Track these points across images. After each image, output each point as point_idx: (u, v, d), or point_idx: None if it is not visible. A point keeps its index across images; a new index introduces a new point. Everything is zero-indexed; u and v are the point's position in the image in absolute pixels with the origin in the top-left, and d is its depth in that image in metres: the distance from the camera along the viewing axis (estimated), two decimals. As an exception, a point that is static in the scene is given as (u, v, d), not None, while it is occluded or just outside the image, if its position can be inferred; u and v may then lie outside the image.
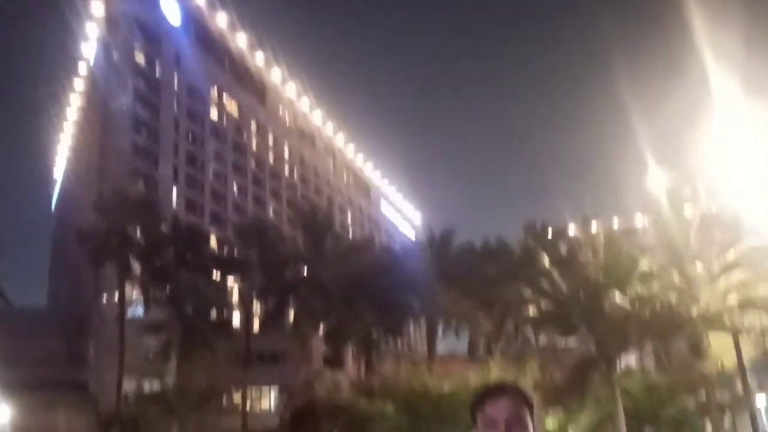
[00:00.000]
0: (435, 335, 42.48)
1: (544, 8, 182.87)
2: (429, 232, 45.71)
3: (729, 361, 26.49)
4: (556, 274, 23.06)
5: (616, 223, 28.75)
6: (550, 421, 37.62)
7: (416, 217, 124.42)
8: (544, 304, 23.48)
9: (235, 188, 76.01)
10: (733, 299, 23.40)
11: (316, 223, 43.74)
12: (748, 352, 25.98)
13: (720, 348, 25.99)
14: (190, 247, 44.28)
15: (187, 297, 39.73)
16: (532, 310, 24.70)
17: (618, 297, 20.68)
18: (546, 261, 23.71)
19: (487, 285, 36.47)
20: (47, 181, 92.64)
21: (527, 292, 24.04)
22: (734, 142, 28.26)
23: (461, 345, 44.34)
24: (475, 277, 37.39)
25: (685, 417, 39.03)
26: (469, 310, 38.11)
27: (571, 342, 25.96)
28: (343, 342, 42.71)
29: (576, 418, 34.43)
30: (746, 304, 23.15)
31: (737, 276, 23.41)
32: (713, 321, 22.30)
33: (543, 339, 37.63)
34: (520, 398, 1.92)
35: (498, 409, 1.87)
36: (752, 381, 28.46)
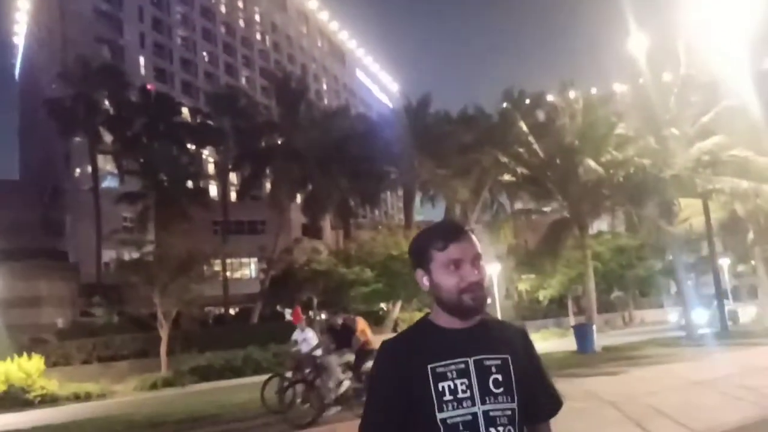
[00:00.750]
0: (412, 203, 42.98)
1: None
2: (406, 99, 45.02)
3: (697, 224, 27.28)
4: (533, 140, 23.01)
5: (594, 89, 28.41)
6: (523, 284, 39.32)
7: (392, 86, 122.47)
8: (520, 170, 23.57)
9: (205, 56, 73.58)
10: (705, 163, 23.64)
11: (290, 91, 42.73)
12: (716, 215, 26.74)
13: (689, 211, 26.59)
14: (161, 116, 43.31)
15: (160, 167, 39.37)
16: (508, 177, 24.83)
17: (593, 162, 20.78)
18: (523, 127, 23.56)
19: (463, 152, 36.45)
20: (7, 47, 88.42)
21: (504, 159, 24.02)
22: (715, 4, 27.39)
23: (437, 213, 45.08)
24: (452, 145, 37.31)
25: (652, 277, 41.14)
26: (445, 178, 38.38)
27: (547, 208, 26.34)
28: (321, 211, 43.11)
29: (548, 280, 35.95)
30: (718, 168, 23.44)
31: (712, 140, 23.50)
32: (685, 184, 22.62)
33: (518, 206, 38.32)
34: (474, 236, 1.81)
35: (463, 248, 1.75)
36: (717, 243, 29.51)
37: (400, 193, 46.05)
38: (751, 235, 28.43)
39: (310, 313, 33.14)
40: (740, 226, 28.80)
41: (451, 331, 1.78)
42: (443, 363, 1.73)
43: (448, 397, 1.70)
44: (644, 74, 24.81)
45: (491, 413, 1.70)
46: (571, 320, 37.39)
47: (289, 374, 12.79)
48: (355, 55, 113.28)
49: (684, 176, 22.31)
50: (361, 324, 12.49)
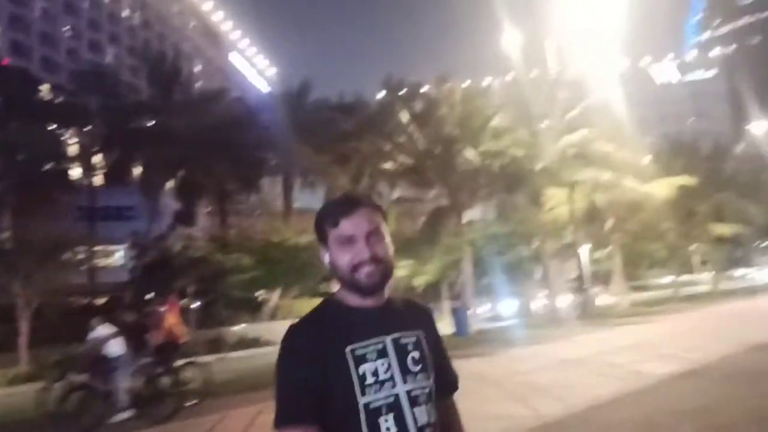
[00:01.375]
0: (291, 190, 42.60)
1: None
2: (285, 85, 44.43)
3: (562, 212, 29.04)
4: (414, 129, 23.51)
5: (471, 82, 29.44)
6: (401, 270, 40.07)
7: (269, 71, 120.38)
8: (401, 158, 24.02)
9: (67, 31, 68.82)
10: (571, 155, 25.15)
11: (163, 71, 40.92)
12: (579, 204, 28.59)
13: (555, 201, 28.23)
14: (18, 93, 40.09)
15: (19, 147, 36.48)
16: (390, 165, 25.24)
17: (471, 152, 21.55)
18: (404, 116, 24.01)
19: (344, 140, 36.57)
20: None
21: (386, 147, 24.39)
22: (582, 5, 29.10)
23: (317, 200, 44.94)
24: (332, 132, 37.33)
25: (521, 263, 43.28)
26: (325, 165, 38.33)
27: (426, 196, 27.06)
28: (196, 197, 41.76)
29: (424, 266, 36.86)
30: (582, 160, 25.04)
31: (577, 134, 25.05)
32: (554, 175, 23.98)
33: (398, 193, 38.96)
34: (375, 208, 1.76)
35: (356, 224, 1.69)
36: (581, 232, 31.52)
37: (280, 178, 45.44)
38: (609, 224, 30.61)
39: (183, 301, 32.16)
40: (600, 215, 30.94)
41: (362, 311, 1.71)
42: (362, 344, 1.66)
43: (370, 380, 1.63)
44: (517, 70, 26.01)
45: (413, 393, 1.67)
46: (445, 306, 38.71)
47: (78, 377, 11.63)
48: (231, 38, 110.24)
49: (553, 167, 23.65)
50: (171, 319, 11.94)
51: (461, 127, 22.70)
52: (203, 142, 37.54)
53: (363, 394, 1.62)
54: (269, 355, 20.03)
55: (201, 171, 38.34)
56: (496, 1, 31.44)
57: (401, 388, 1.66)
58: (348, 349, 1.64)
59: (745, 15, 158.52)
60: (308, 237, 33.20)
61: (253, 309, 36.67)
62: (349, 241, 1.69)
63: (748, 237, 43.78)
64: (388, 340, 1.70)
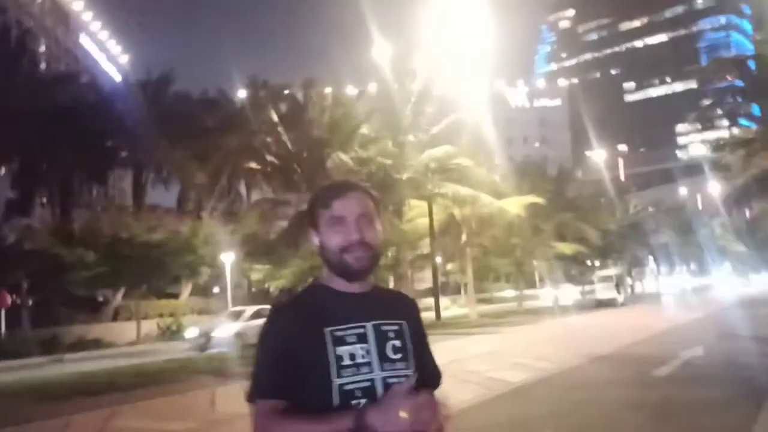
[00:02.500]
0: (143, 185, 40.49)
1: None
2: (144, 75, 42.20)
3: (421, 223, 29.83)
4: (282, 130, 23.17)
5: (341, 89, 29.57)
6: (256, 273, 39.30)
7: (123, 59, 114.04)
8: (268, 159, 23.57)
9: None
10: (433, 169, 25.93)
11: (4, 48, 37.43)
12: (438, 217, 29.52)
13: (415, 212, 28.95)
14: None
15: None
16: (255, 165, 24.64)
17: (340, 157, 21.58)
18: (273, 117, 23.60)
19: (204, 136, 35.26)
20: None
21: (252, 146, 23.82)
22: (450, 22, 30.19)
23: (171, 197, 43.08)
24: (193, 127, 35.86)
25: (377, 270, 43.98)
26: (182, 160, 36.74)
27: (290, 198, 26.72)
28: (36, 185, 38.56)
29: (281, 271, 36.38)
30: (444, 174, 25.90)
31: (440, 149, 25.88)
32: (417, 186, 24.59)
33: (261, 194, 38.16)
34: (369, 195, 1.76)
35: (347, 206, 1.69)
36: (437, 243, 32.47)
37: (131, 171, 42.96)
38: (464, 237, 31.85)
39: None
40: (455, 228, 32.12)
41: (347, 295, 1.71)
42: (342, 327, 1.66)
43: (346, 362, 1.63)
44: (387, 81, 26.44)
45: (389, 380, 1.66)
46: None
47: None
48: (82, 19, 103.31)
49: (417, 179, 24.25)
50: None
51: (331, 132, 22.70)
52: (47, 126, 34.70)
53: (339, 375, 1.62)
54: (111, 357, 18.82)
55: (43, 158, 35.46)
56: (367, 13, 31.78)
57: (378, 374, 1.65)
58: (327, 330, 1.64)
59: (588, 51, 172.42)
60: (160, 235, 31.71)
61: (92, 309, 34.38)
62: (339, 222, 1.69)
63: (585, 256, 47.31)
64: (369, 325, 1.70)
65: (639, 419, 7.87)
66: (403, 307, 1.83)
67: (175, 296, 38.51)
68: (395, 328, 1.73)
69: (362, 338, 1.67)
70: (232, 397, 10.99)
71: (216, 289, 44.67)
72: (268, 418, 1.60)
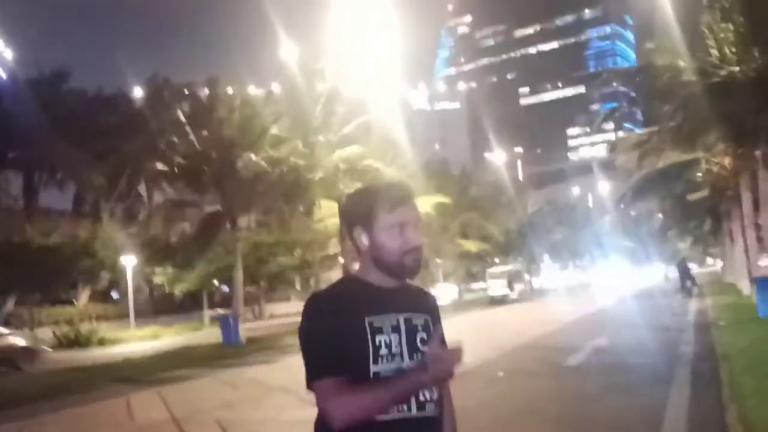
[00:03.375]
0: (35, 187, 38.23)
1: None
2: (37, 70, 39.79)
3: (331, 224, 29.86)
4: (188, 130, 22.60)
5: (250, 88, 29.08)
6: (158, 277, 38.04)
7: (7, 54, 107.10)
8: (175, 159, 22.90)
9: None
10: (344, 169, 26.00)
11: None
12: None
13: (325, 212, 28.94)
14: None
15: None
16: (160, 166, 23.88)
17: (250, 158, 21.30)
18: (179, 115, 22.97)
19: (102, 136, 33.74)
20: None
21: (157, 146, 23.07)
22: (355, 25, 30.36)
23: (66, 199, 40.94)
24: (90, 126, 34.23)
25: (283, 272, 43.64)
26: (78, 161, 34.95)
27: (197, 199, 26.03)
28: None
29: (186, 273, 35.38)
30: (354, 175, 26.04)
31: (350, 149, 26.00)
32: (329, 187, 24.62)
33: (164, 195, 36.89)
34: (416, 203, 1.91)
35: (410, 213, 1.82)
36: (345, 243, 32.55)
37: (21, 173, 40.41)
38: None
39: None
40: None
41: (382, 289, 1.83)
42: (379, 317, 1.77)
43: (383, 350, 1.74)
44: (296, 81, 26.28)
45: None
46: (206, 314, 37.56)
47: None
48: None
49: (328, 179, 24.27)
50: None
51: (240, 132, 22.34)
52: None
53: (375, 362, 1.73)
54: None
55: None
56: (274, 12, 31.58)
57: (408, 364, 1.76)
58: (367, 319, 1.75)
59: (485, 56, 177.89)
60: (55, 238, 30.10)
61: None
62: (402, 227, 1.80)
63: (487, 254, 48.78)
64: (401, 317, 1.82)
65: (560, 407, 8.29)
66: (428, 302, 1.97)
67: (72, 303, 36.74)
68: (422, 321, 1.85)
69: (396, 329, 1.78)
70: (149, 405, 10.69)
71: (115, 295, 42.91)
72: (336, 393, 1.67)
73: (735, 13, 17.64)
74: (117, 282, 38.00)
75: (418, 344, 1.80)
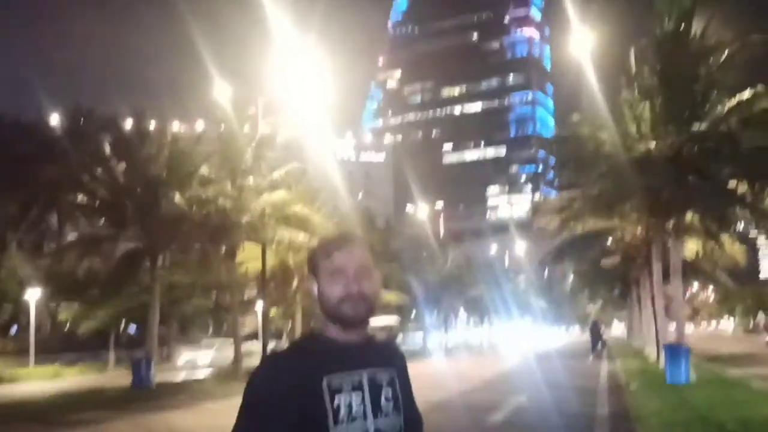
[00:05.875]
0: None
1: None
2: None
3: (253, 268, 29.33)
4: (114, 164, 21.95)
5: (182, 126, 28.67)
6: (65, 313, 36.18)
7: None
8: (96, 192, 22.09)
9: None
10: (271, 213, 25.79)
11: None
12: (270, 262, 29.22)
13: (247, 256, 28.46)
14: None
15: None
16: (79, 197, 22.94)
17: (179, 195, 20.84)
18: (104, 147, 22.31)
19: (15, 163, 32.16)
20: None
21: (77, 177, 22.23)
22: (293, 69, 30.68)
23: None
24: (3, 152, 32.62)
25: (197, 314, 42.34)
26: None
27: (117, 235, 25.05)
28: None
29: (95, 310, 33.78)
30: (281, 219, 25.87)
31: (278, 194, 25.89)
32: (255, 231, 24.31)
33: (80, 228, 35.35)
34: (367, 249, 1.88)
35: (347, 258, 1.79)
36: (268, 288, 31.96)
37: None
38: (295, 283, 31.82)
39: None
40: (287, 273, 31.96)
41: (342, 344, 1.78)
42: (339, 375, 1.73)
43: (343, 411, 1.69)
44: (228, 122, 26.10)
45: (382, 430, 1.74)
46: (111, 355, 35.90)
47: None
48: None
49: (255, 223, 23.99)
50: None
51: (169, 169, 21.86)
52: None
53: (335, 424, 1.67)
54: None
55: None
56: (208, 51, 31.51)
57: (371, 425, 1.72)
58: (325, 378, 1.70)
59: (412, 111, 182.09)
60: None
61: None
62: (339, 273, 1.77)
63: (409, 306, 49.02)
64: (364, 374, 1.77)
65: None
66: (393, 356, 1.91)
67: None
68: (387, 377, 1.81)
69: (357, 387, 1.73)
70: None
71: (14, 330, 40.43)
72: None
73: (652, 92, 18.87)
74: (18, 316, 35.88)
75: (383, 402, 1.76)
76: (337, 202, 40.34)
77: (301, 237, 25.78)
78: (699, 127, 18.08)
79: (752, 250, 45.44)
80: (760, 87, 18.01)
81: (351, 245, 1.80)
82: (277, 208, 25.82)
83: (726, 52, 18.03)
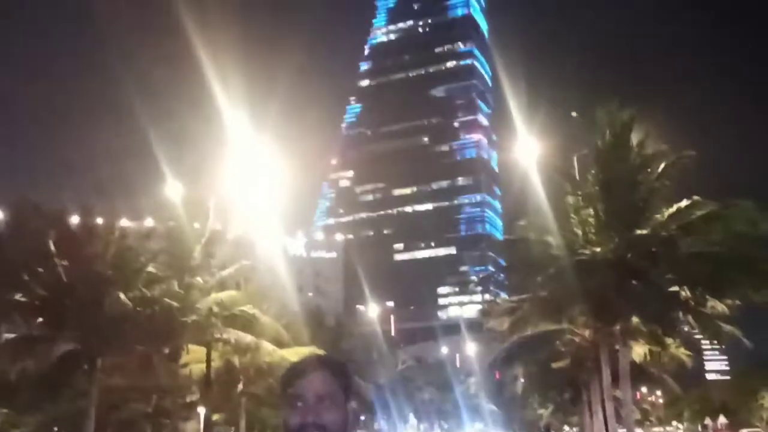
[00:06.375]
0: None
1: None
2: None
3: (196, 370, 28.31)
4: (57, 261, 21.30)
5: (128, 223, 28.27)
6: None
7: None
8: (35, 291, 21.27)
9: None
10: (218, 313, 25.22)
11: None
12: (215, 363, 28.25)
13: (191, 357, 27.53)
14: None
15: None
16: (16, 296, 21.99)
17: (123, 295, 20.23)
18: (48, 244, 21.68)
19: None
20: None
21: (15, 273, 21.41)
22: (247, 169, 31.00)
23: None
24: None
25: (135, 420, 40.11)
26: None
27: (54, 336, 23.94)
28: None
29: (24, 417, 31.73)
30: (228, 320, 25.29)
31: (226, 293, 25.45)
32: (199, 332, 23.69)
33: (14, 328, 33.69)
34: (336, 373, 1.85)
35: (306, 385, 1.78)
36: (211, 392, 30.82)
37: None
38: (240, 386, 30.75)
39: None
40: (232, 376, 30.88)
41: None
42: None
43: None
44: (179, 219, 25.89)
45: None
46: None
47: None
48: None
49: (201, 324, 23.38)
50: None
51: (114, 267, 21.32)
52: None
53: None
54: None
55: None
56: (162, 149, 31.82)
57: None
58: None
59: (364, 210, 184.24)
60: None
61: None
62: (296, 400, 1.76)
63: (357, 411, 47.61)
64: None
65: None
66: None
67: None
68: None
69: None
70: None
71: None
72: None
73: (595, 199, 19.59)
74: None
75: None
76: (287, 301, 39.77)
77: (248, 338, 25.18)
78: (639, 233, 18.72)
79: (697, 352, 46.13)
80: (696, 197, 18.89)
81: (312, 374, 1.78)
82: (224, 307, 25.27)
83: (663, 163, 18.99)
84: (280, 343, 28.67)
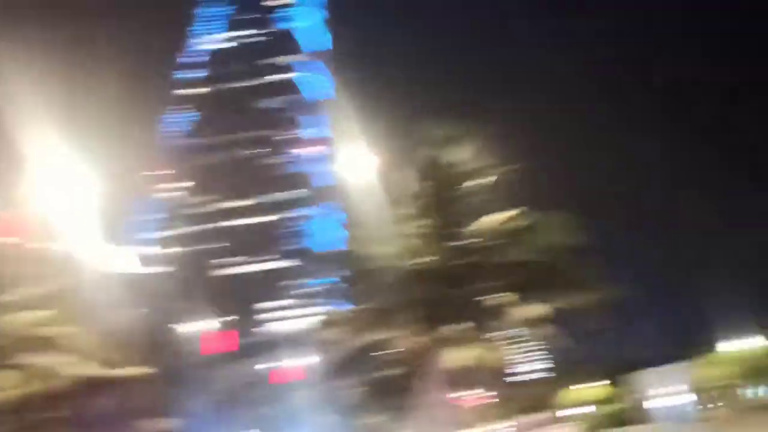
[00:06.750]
0: None
1: None
2: None
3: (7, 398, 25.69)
4: None
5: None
6: None
7: None
8: None
9: None
10: (28, 336, 23.24)
11: None
12: (29, 389, 25.76)
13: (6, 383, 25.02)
14: None
15: None
16: None
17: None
18: None
19: None
20: None
21: None
22: (60, 183, 28.87)
23: None
24: None
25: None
26: None
27: None
28: None
29: None
30: (42, 342, 23.33)
31: (39, 314, 23.51)
32: (6, 356, 21.66)
33: None
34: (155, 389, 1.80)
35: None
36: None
37: None
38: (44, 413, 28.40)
39: None
40: (51, 401, 28.41)
41: None
42: None
43: None
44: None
45: None
46: None
47: None
48: None
49: (8, 347, 21.35)
50: None
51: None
52: None
53: None
54: None
55: None
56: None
57: None
58: None
59: (197, 223, 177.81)
60: None
61: None
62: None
63: None
64: None
65: None
66: None
67: None
68: None
69: None
70: None
71: None
72: None
73: (425, 211, 20.40)
74: None
75: None
76: (116, 319, 37.38)
77: (49, 361, 23.28)
78: (461, 243, 19.77)
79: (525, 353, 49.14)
80: (522, 208, 20.30)
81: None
82: (38, 328, 23.21)
83: (489, 176, 20.22)
84: (107, 364, 26.82)
